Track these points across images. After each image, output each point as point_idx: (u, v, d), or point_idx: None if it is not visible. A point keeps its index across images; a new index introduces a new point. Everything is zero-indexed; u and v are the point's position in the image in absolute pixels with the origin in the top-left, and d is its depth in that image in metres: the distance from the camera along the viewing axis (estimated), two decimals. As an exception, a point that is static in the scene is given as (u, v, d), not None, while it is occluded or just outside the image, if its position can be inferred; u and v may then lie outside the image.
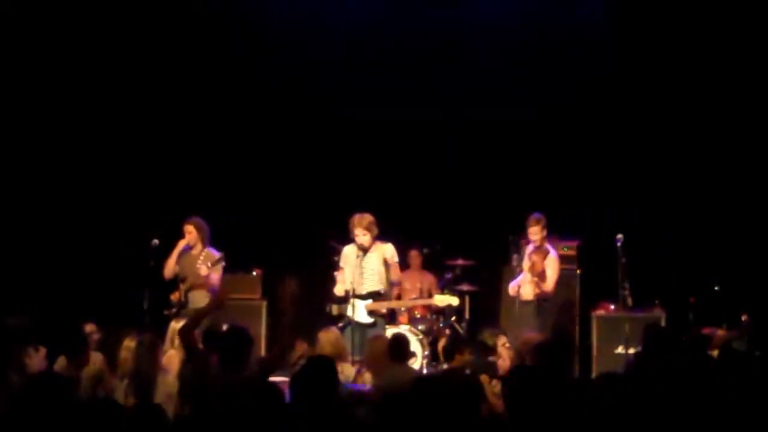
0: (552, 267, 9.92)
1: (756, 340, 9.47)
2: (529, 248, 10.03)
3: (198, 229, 9.94)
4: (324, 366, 5.50)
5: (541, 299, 9.88)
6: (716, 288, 10.57)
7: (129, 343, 7.99)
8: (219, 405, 6.03)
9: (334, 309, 9.57)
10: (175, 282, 9.89)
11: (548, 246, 9.99)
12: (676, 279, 10.91)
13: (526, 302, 9.92)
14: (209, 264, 9.69)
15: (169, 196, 11.21)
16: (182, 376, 7.13)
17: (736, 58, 11.29)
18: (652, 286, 10.49)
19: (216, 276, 9.78)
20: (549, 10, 11.78)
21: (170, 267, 9.89)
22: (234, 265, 10.62)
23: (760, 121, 11.31)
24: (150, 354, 7.57)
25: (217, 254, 9.78)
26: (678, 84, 11.45)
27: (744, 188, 11.22)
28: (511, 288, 10.03)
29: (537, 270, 9.86)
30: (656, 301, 10.58)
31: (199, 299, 9.69)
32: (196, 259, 9.86)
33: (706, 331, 9.83)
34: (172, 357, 8.01)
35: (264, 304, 10.90)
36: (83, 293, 10.80)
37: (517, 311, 9.93)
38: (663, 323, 10.22)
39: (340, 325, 9.24)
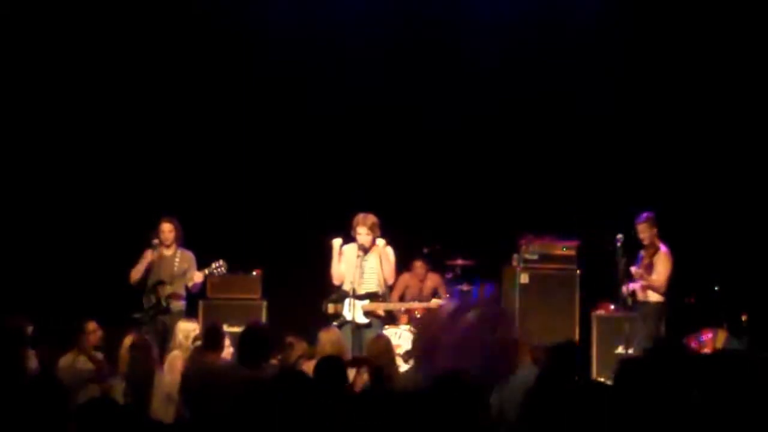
0: (662, 262, 9.84)
1: (756, 340, 9.48)
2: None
3: (176, 228, 9.93)
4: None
5: (653, 303, 9.86)
6: (716, 288, 10.57)
7: (129, 343, 8.01)
8: (227, 405, 6.01)
9: (330, 307, 9.51)
10: (143, 284, 9.87)
11: (659, 244, 9.90)
12: (676, 279, 10.90)
13: (640, 303, 9.93)
14: (206, 271, 9.84)
15: (169, 197, 11.20)
16: (185, 376, 7.11)
17: (738, 58, 11.29)
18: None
19: (201, 277, 9.88)
20: (549, 9, 11.78)
21: (139, 273, 9.82)
22: (234, 265, 10.63)
23: (760, 120, 11.30)
24: (144, 355, 7.56)
25: (190, 253, 9.87)
26: (678, 83, 11.44)
27: (744, 188, 11.23)
28: (625, 288, 9.99)
29: (644, 263, 9.82)
30: (656, 301, 10.58)
31: (178, 303, 9.80)
32: (173, 261, 9.86)
33: (706, 331, 9.86)
34: (176, 358, 8.00)
35: (264, 304, 10.90)
36: (83, 293, 10.79)
37: (637, 314, 10.00)
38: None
39: (335, 324, 9.24)
